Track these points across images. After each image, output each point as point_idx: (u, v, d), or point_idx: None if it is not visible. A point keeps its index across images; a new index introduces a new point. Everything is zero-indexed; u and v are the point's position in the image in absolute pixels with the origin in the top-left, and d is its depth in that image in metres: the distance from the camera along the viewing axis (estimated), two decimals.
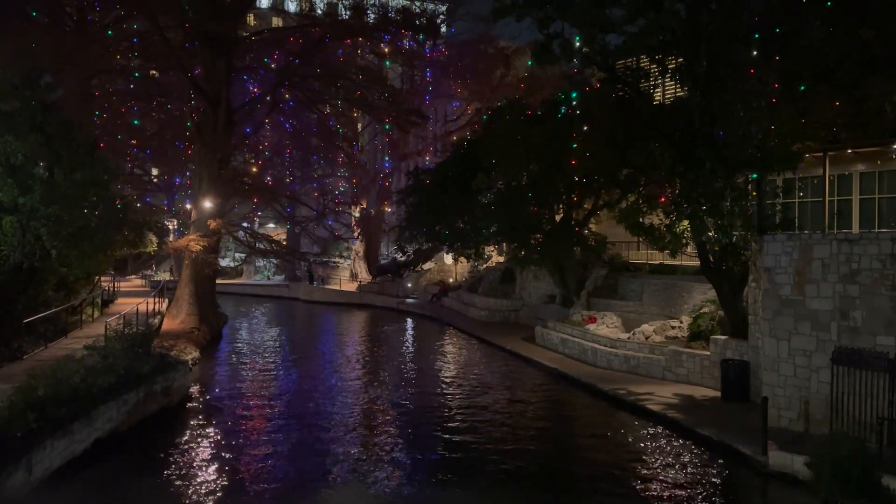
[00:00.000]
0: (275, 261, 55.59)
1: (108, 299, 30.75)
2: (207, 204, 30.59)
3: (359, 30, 36.96)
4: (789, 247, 14.66)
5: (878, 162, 19.99)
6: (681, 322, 22.52)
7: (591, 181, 25.88)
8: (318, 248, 53.17)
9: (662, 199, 19.03)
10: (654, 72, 20.34)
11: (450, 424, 17.06)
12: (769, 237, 15.44)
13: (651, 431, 16.13)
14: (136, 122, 39.49)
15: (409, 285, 49.62)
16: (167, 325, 28.31)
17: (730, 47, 17.38)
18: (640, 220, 19.38)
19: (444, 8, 51.33)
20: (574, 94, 24.23)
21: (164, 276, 52.66)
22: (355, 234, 56.47)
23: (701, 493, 12.24)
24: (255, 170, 45.12)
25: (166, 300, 32.59)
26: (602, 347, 23.27)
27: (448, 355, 28.32)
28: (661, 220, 18.98)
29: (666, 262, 26.58)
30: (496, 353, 27.66)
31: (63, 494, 11.75)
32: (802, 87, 17.16)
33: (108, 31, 31.83)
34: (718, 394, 17.95)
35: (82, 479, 12.65)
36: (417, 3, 45.95)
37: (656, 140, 18.02)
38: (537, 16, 19.15)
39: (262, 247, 37.79)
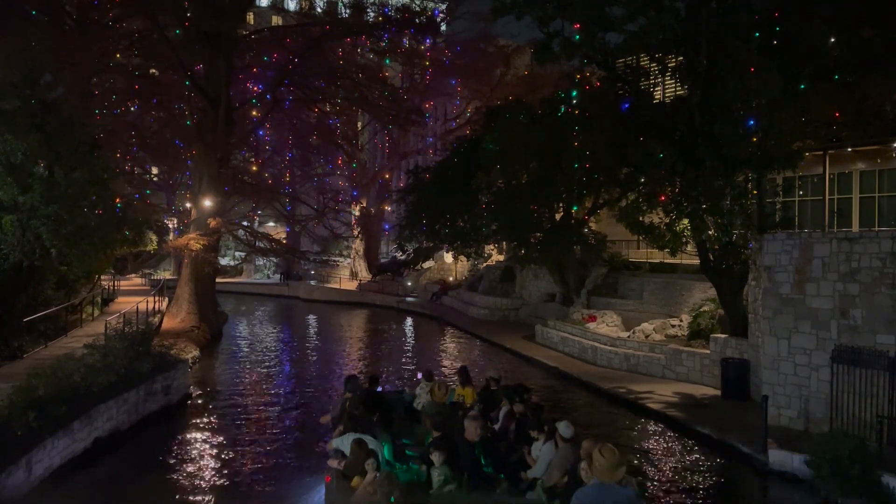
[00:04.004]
0: (275, 259, 55.64)
1: (108, 298, 30.80)
2: (207, 203, 30.57)
3: (358, 28, 36.92)
4: (789, 245, 14.65)
5: (879, 160, 20.00)
6: (681, 320, 22.53)
7: (591, 180, 25.88)
8: (318, 246, 53.22)
9: (662, 198, 19.04)
10: (654, 70, 20.34)
11: None
12: (769, 236, 15.44)
13: (651, 430, 16.14)
14: (135, 120, 39.44)
15: (409, 284, 49.64)
16: (167, 323, 28.31)
17: (730, 46, 17.38)
18: (640, 218, 19.39)
19: (444, 6, 51.27)
20: (574, 93, 24.23)
21: (164, 274, 52.73)
22: (355, 232, 56.48)
23: (700, 492, 12.24)
24: (254, 168, 45.13)
25: (166, 299, 32.60)
26: (602, 346, 23.27)
27: (448, 354, 28.33)
28: (660, 218, 18.99)
29: (666, 261, 26.61)
30: (496, 352, 27.67)
31: (63, 493, 11.74)
32: (802, 86, 17.16)
33: (108, 30, 31.79)
34: (718, 392, 17.95)
35: (82, 477, 12.65)
36: (417, 2, 45.89)
37: (656, 139, 18.02)
38: (537, 14, 19.16)
39: (262, 245, 37.78)
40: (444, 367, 25.22)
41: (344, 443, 8.64)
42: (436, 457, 7.87)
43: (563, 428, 8.05)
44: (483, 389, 11.48)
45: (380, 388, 11.70)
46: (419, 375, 12.16)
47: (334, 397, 19.11)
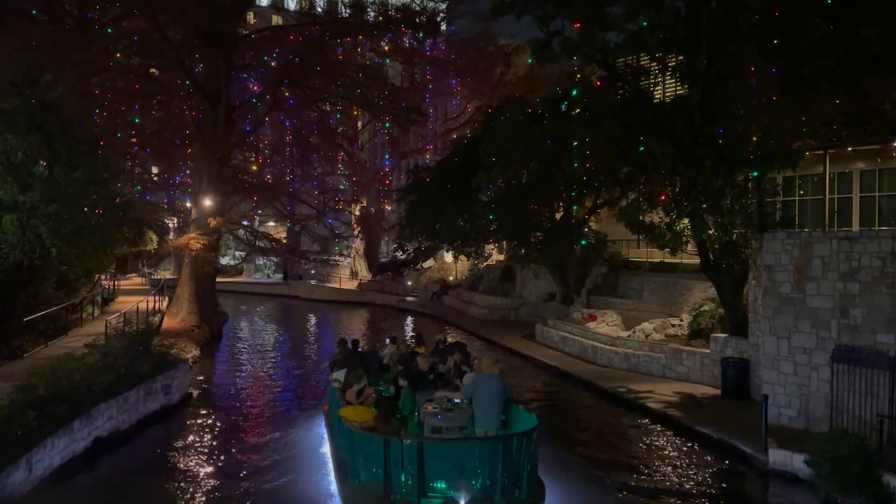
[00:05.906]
0: (275, 259, 55.73)
1: (109, 297, 30.80)
2: (207, 202, 30.57)
3: (358, 28, 36.89)
4: (789, 245, 14.65)
5: (879, 160, 19.99)
6: (681, 320, 22.52)
7: (592, 179, 25.87)
8: (318, 246, 53.25)
9: (662, 197, 19.02)
10: (655, 70, 20.33)
11: None
12: (769, 235, 15.43)
13: (651, 429, 16.13)
14: (136, 120, 39.41)
15: (410, 283, 49.62)
16: (167, 323, 28.31)
17: (730, 45, 17.37)
18: (640, 218, 19.38)
19: (444, 5, 51.23)
20: (574, 92, 24.21)
21: (164, 273, 52.73)
22: (355, 232, 56.45)
23: (700, 491, 12.24)
24: (255, 168, 45.10)
25: (166, 298, 32.60)
26: (602, 345, 23.27)
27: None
28: (661, 218, 18.98)
29: (666, 261, 26.60)
30: (496, 351, 27.63)
31: (63, 493, 11.75)
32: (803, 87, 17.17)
33: (108, 30, 31.78)
34: (718, 392, 17.95)
35: (83, 477, 12.66)
36: (417, 1, 45.85)
37: (656, 138, 18.01)
38: (537, 13, 19.15)
39: (262, 245, 37.78)
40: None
41: (340, 374, 12.76)
42: (402, 379, 12.12)
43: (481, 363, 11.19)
44: (434, 348, 15.49)
45: (360, 349, 16.08)
46: (387, 341, 17.19)
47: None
